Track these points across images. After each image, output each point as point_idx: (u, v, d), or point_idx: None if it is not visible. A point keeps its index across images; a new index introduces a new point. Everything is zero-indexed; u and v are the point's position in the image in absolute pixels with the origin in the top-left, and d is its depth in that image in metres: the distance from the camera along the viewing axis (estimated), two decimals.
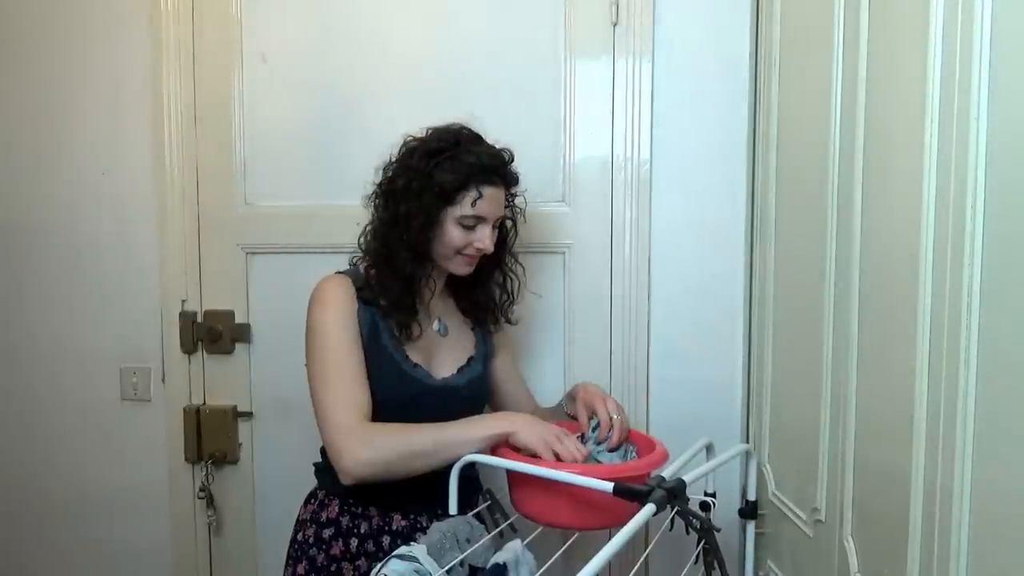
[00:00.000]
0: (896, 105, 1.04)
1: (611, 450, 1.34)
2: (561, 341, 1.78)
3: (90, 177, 1.93)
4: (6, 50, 1.95)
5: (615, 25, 1.71)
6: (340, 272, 1.44)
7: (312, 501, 1.47)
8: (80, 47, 1.91)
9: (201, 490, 1.90)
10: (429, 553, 1.12)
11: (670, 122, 1.72)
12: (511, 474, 1.29)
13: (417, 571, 1.08)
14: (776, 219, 1.55)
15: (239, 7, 1.83)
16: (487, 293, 1.51)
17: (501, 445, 1.27)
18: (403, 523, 1.41)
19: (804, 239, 1.37)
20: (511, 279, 1.52)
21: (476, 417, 1.32)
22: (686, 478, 1.11)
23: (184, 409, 1.90)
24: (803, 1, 1.43)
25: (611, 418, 1.34)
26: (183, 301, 1.89)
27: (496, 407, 1.58)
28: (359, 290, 1.39)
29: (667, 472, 1.16)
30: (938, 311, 0.92)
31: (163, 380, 1.93)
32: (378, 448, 1.26)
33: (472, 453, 1.25)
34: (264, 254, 1.87)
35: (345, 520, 1.42)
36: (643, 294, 1.74)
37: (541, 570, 1.15)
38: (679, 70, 1.71)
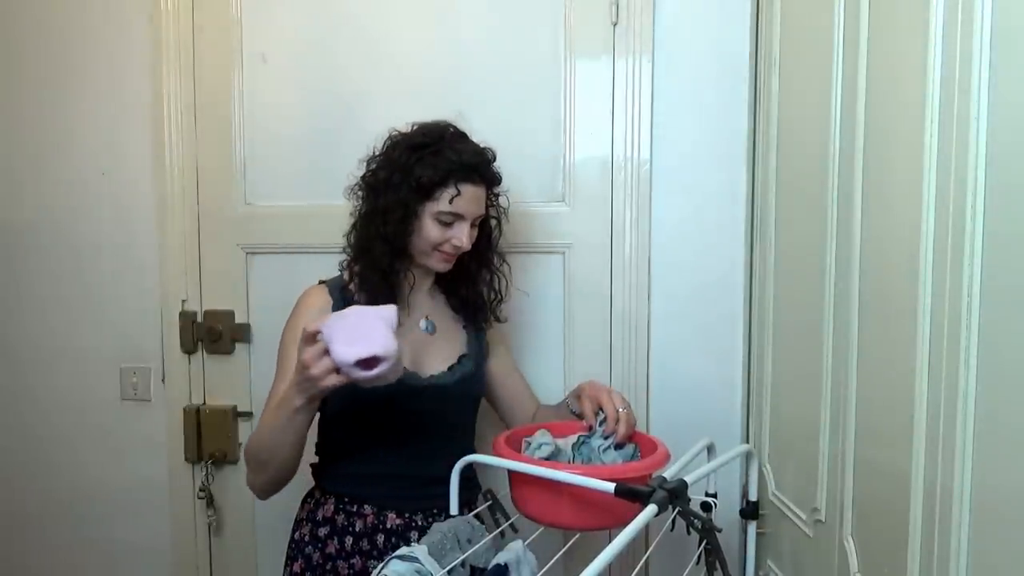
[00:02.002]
0: (896, 105, 1.04)
1: (618, 446, 1.34)
2: (561, 341, 1.78)
3: (90, 177, 1.93)
4: (6, 50, 1.95)
5: (615, 25, 1.71)
6: (323, 281, 1.46)
7: (309, 500, 1.48)
8: (80, 47, 1.91)
9: (201, 490, 1.90)
10: (430, 553, 1.12)
11: (670, 122, 1.72)
12: (512, 474, 1.29)
13: (418, 572, 1.08)
14: (776, 219, 1.55)
15: (239, 7, 1.83)
16: (475, 291, 1.51)
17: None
18: (398, 521, 1.42)
19: (804, 239, 1.37)
20: (498, 278, 1.52)
21: (276, 405, 1.27)
22: (688, 479, 1.11)
23: (184, 409, 1.90)
24: (803, 1, 1.43)
25: (618, 411, 1.34)
26: (183, 301, 1.89)
27: (497, 405, 1.58)
28: (340, 296, 1.40)
29: (668, 473, 1.16)
30: (938, 311, 0.92)
31: (163, 380, 1.93)
32: (249, 461, 1.35)
33: (303, 422, 1.24)
34: (264, 254, 1.87)
35: (340, 518, 1.42)
36: (643, 294, 1.74)
37: (543, 571, 1.15)
38: (679, 70, 1.71)
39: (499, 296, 1.53)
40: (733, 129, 1.70)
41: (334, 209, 1.77)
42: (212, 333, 1.88)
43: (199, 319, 1.89)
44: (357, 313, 1.14)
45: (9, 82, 1.95)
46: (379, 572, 1.08)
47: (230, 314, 1.88)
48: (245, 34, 1.83)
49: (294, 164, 1.84)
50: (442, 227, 1.37)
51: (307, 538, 1.44)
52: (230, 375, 1.90)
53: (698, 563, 1.16)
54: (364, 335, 1.10)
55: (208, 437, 1.90)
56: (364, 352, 1.08)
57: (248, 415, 1.90)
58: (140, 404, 1.95)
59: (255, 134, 1.85)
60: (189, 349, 1.90)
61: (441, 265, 1.42)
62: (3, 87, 1.96)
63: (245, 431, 1.91)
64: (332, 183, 1.80)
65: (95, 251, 1.94)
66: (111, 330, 1.95)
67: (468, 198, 1.37)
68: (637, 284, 1.74)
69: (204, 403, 1.91)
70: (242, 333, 1.88)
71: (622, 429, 1.33)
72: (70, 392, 1.98)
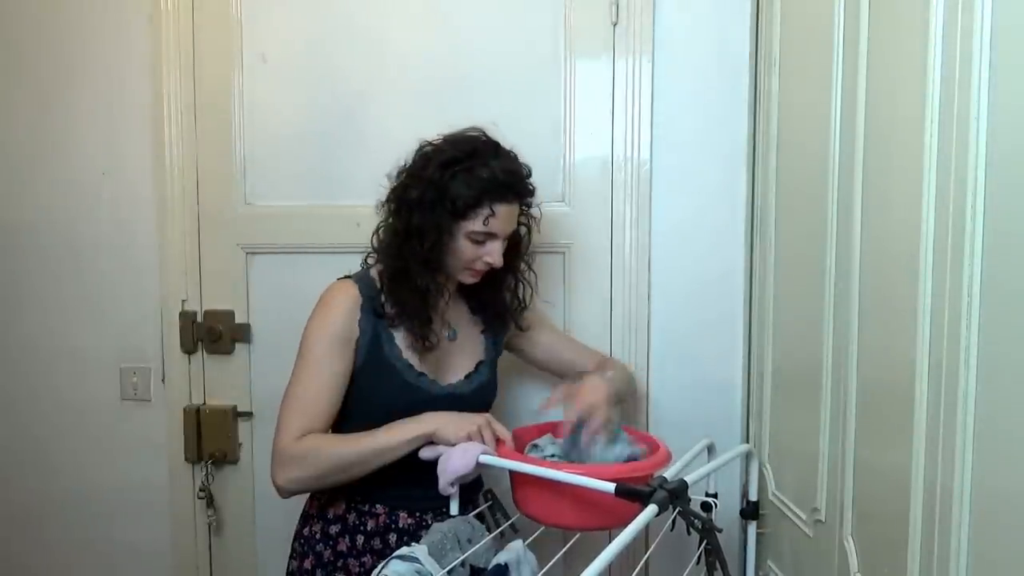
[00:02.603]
0: (896, 105, 1.04)
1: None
2: None
3: (90, 177, 1.93)
4: (6, 50, 1.95)
5: (615, 25, 1.71)
6: (349, 277, 1.44)
7: (319, 496, 1.48)
8: (80, 47, 1.91)
9: (201, 490, 1.90)
10: (430, 553, 1.12)
11: (670, 122, 1.72)
12: (514, 474, 1.29)
13: (419, 572, 1.08)
14: (776, 219, 1.55)
15: (239, 7, 1.83)
16: (498, 297, 1.51)
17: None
18: (409, 521, 1.42)
19: (804, 239, 1.37)
20: (523, 285, 1.52)
21: (400, 422, 1.33)
22: (688, 479, 1.11)
23: (184, 409, 1.90)
24: (803, 1, 1.43)
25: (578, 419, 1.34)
26: (183, 301, 1.89)
27: (559, 372, 1.61)
28: (369, 298, 1.39)
29: (669, 473, 1.16)
30: (938, 311, 0.92)
31: (163, 380, 1.93)
32: (306, 466, 1.33)
33: (400, 456, 1.31)
34: (264, 254, 1.87)
35: (352, 517, 1.43)
36: (643, 294, 1.74)
37: (543, 571, 1.15)
38: (679, 70, 1.71)
39: (522, 304, 1.53)
40: (733, 129, 1.70)
41: (334, 209, 1.78)
42: (212, 333, 1.88)
43: (199, 319, 1.89)
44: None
45: (9, 82, 1.95)
46: (379, 572, 1.08)
47: (230, 314, 1.88)
48: (245, 34, 1.83)
49: (294, 164, 1.84)
50: (474, 245, 1.37)
51: (318, 535, 1.44)
52: (230, 375, 1.90)
53: (698, 563, 1.16)
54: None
55: (208, 437, 1.89)
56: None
57: (248, 415, 1.90)
58: (140, 404, 1.95)
59: (255, 134, 1.84)
60: (189, 349, 1.90)
61: (470, 279, 1.43)
62: (3, 87, 1.96)
63: (245, 431, 1.90)
64: (332, 183, 1.81)
65: (95, 251, 1.94)
66: (111, 330, 1.95)
67: (502, 217, 1.37)
68: (637, 284, 1.74)
69: (204, 403, 1.91)
70: (242, 333, 1.88)
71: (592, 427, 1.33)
72: (70, 392, 1.98)
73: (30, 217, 1.97)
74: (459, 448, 1.26)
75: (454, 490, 1.26)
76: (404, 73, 1.79)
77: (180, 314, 1.89)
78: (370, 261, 1.46)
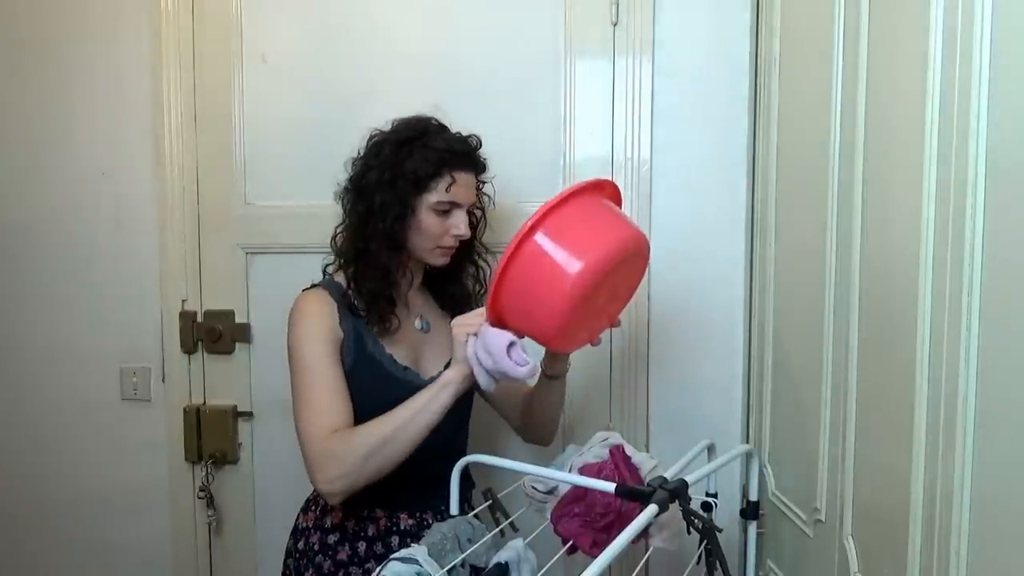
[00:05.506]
0: (896, 105, 1.04)
1: None
2: None
3: (90, 177, 1.93)
4: (6, 50, 1.95)
5: (615, 25, 1.71)
6: (316, 285, 1.44)
7: (313, 508, 1.47)
8: (80, 47, 1.91)
9: (201, 490, 1.90)
10: (430, 554, 1.12)
11: (670, 122, 1.72)
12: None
13: (418, 573, 1.07)
14: (776, 219, 1.55)
15: (239, 7, 1.83)
16: (461, 286, 1.52)
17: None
18: (410, 522, 1.42)
19: (804, 239, 1.37)
20: (483, 269, 1.53)
21: (432, 388, 1.28)
22: (688, 479, 1.11)
23: (184, 409, 1.90)
24: (803, 1, 1.43)
25: None
26: (183, 301, 1.89)
27: (490, 397, 1.56)
28: (342, 298, 1.39)
29: (669, 473, 1.16)
30: (938, 311, 0.92)
31: (163, 380, 1.93)
32: (343, 459, 1.26)
33: (438, 410, 1.26)
34: (264, 254, 1.87)
35: (350, 524, 1.41)
36: (643, 294, 1.74)
37: (543, 570, 1.15)
38: (679, 70, 1.71)
39: (484, 287, 1.53)
40: (733, 129, 1.70)
41: (334, 209, 1.77)
42: (212, 333, 1.88)
43: (199, 319, 1.89)
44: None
45: (9, 82, 1.95)
46: (378, 574, 1.08)
47: (230, 314, 1.88)
48: (245, 34, 1.83)
49: (294, 164, 1.84)
50: (440, 218, 1.37)
51: (316, 547, 1.42)
52: (230, 375, 1.90)
53: (698, 563, 1.16)
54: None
55: (208, 437, 1.89)
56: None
57: (248, 415, 1.90)
58: (140, 404, 1.95)
59: (255, 134, 1.85)
60: (189, 349, 1.90)
61: (441, 260, 1.42)
62: (3, 87, 1.96)
63: (245, 431, 1.91)
64: (332, 183, 1.79)
65: (95, 251, 1.94)
66: (111, 330, 1.95)
67: (462, 185, 1.38)
68: None
69: (204, 403, 1.91)
70: (242, 333, 1.88)
71: None
72: (70, 392, 1.98)
73: (30, 217, 1.97)
74: (479, 343, 1.22)
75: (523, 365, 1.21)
76: (404, 72, 1.79)
77: (180, 314, 1.89)
78: (330, 270, 1.46)
